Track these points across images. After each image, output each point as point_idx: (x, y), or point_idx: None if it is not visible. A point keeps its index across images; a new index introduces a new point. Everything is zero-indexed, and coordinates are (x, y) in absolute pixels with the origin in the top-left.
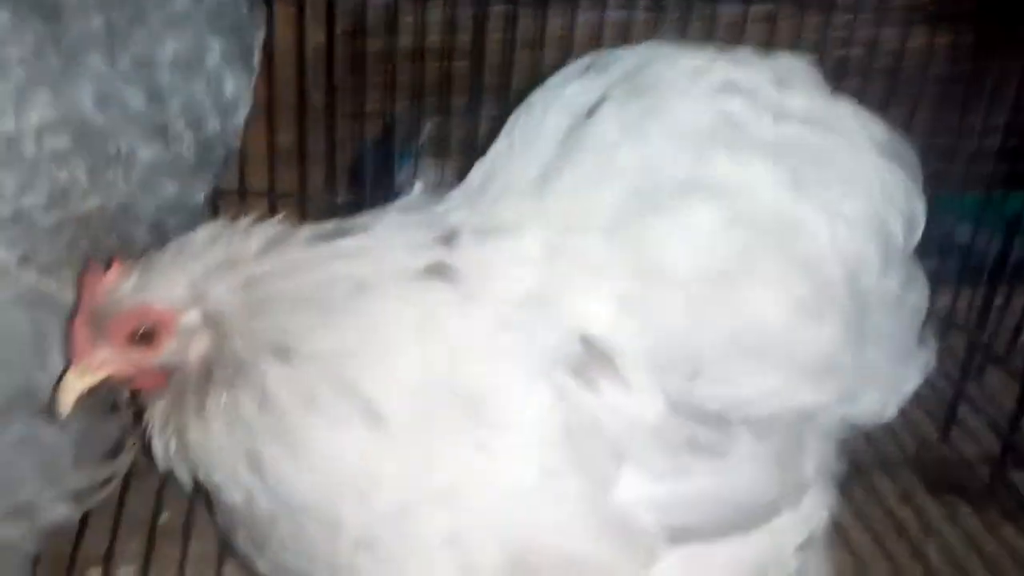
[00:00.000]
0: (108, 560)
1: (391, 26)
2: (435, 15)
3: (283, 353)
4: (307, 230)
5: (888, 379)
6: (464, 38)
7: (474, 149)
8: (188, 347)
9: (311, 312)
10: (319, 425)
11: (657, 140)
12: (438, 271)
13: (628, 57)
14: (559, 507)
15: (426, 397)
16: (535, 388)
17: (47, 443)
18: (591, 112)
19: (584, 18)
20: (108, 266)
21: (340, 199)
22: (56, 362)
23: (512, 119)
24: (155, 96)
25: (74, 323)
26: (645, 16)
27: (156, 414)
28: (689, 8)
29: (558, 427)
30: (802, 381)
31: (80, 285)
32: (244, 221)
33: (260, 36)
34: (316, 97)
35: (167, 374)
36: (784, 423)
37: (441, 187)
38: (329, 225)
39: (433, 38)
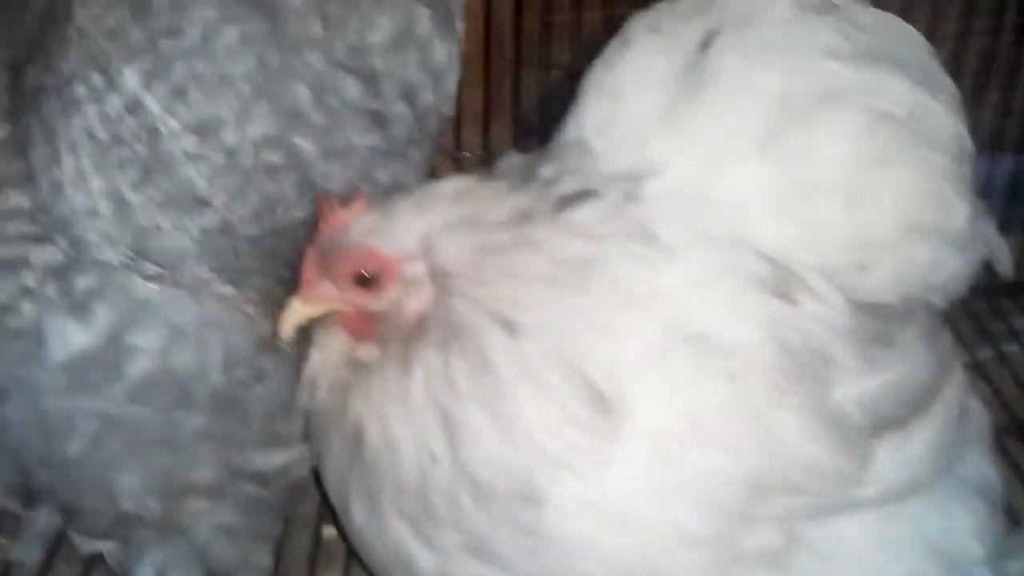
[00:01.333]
0: None
1: None
2: None
3: (509, 325)
4: (549, 201)
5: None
6: None
7: None
8: (408, 299)
9: (542, 288)
10: (533, 400)
11: (783, 61)
12: (642, 237)
13: None
14: (791, 422)
15: (658, 353)
16: (747, 316)
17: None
18: (704, 46)
19: None
20: (348, 202)
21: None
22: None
23: (597, 74)
24: (369, 81)
25: (307, 251)
26: None
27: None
28: None
29: (774, 348)
30: (953, 250)
31: (319, 216)
32: (496, 184)
33: None
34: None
35: (380, 323)
36: (923, 302)
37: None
38: (566, 190)
39: None
